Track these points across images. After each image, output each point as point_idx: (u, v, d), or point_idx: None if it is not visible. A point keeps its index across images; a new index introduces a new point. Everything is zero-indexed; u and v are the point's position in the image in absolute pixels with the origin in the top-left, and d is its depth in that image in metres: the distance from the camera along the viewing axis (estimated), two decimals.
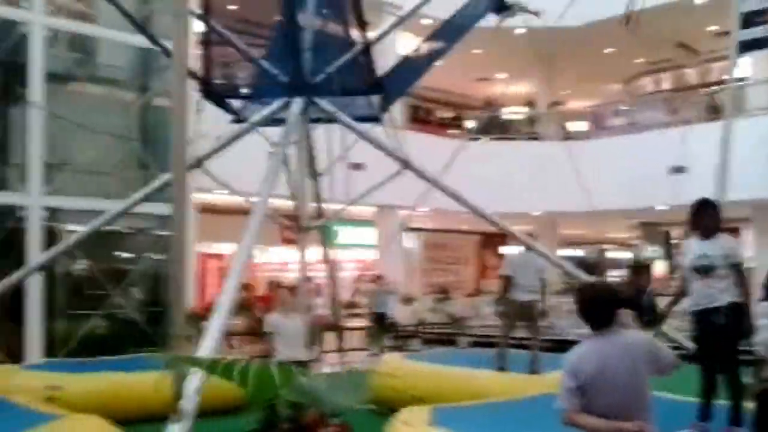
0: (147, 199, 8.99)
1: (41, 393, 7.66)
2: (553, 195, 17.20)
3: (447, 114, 24.24)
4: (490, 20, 9.84)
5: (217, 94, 8.94)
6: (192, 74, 8.83)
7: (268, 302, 11.04)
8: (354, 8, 8.57)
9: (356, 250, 19.97)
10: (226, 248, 17.30)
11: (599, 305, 3.68)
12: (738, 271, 5.53)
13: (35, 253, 11.55)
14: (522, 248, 8.88)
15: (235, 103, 9.34)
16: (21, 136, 12.29)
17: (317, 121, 9.19)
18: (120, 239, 13.48)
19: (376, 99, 9.31)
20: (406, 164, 8.95)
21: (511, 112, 22.79)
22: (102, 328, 12.60)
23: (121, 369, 8.69)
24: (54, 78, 12.82)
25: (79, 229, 10.62)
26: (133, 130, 13.88)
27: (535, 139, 20.78)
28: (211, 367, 3.31)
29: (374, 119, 9.44)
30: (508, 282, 8.50)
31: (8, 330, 11.95)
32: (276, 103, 8.85)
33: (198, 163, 8.83)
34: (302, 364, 7.77)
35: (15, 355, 11.34)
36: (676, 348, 6.67)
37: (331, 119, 9.01)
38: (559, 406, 3.59)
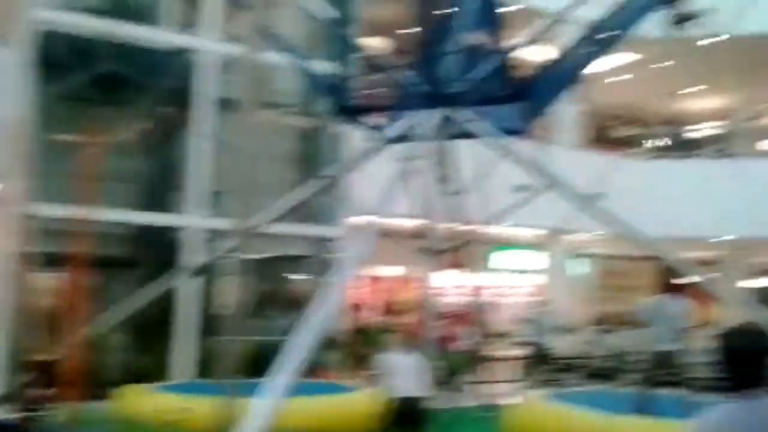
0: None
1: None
2: (746, 218, 15.22)
3: (629, 131, 22.57)
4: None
5: (350, 110, 8.61)
6: (321, 91, 8.65)
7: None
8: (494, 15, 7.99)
9: (526, 275, 18.94)
10: (386, 271, 17.34)
11: (747, 358, 2.77)
12: None
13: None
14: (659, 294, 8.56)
15: (378, 121, 8.90)
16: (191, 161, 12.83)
17: (457, 137, 8.57)
18: (276, 263, 13.58)
19: (520, 109, 8.53)
20: (552, 182, 8.09)
21: (699, 129, 20.86)
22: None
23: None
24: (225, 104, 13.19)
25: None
26: (297, 153, 14.17)
27: (728, 156, 18.72)
28: None
29: (518, 132, 8.65)
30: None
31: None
32: (410, 118, 8.33)
33: (330, 183, 8.56)
34: (417, 401, 7.28)
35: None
36: None
37: (469, 134, 8.35)
38: None
